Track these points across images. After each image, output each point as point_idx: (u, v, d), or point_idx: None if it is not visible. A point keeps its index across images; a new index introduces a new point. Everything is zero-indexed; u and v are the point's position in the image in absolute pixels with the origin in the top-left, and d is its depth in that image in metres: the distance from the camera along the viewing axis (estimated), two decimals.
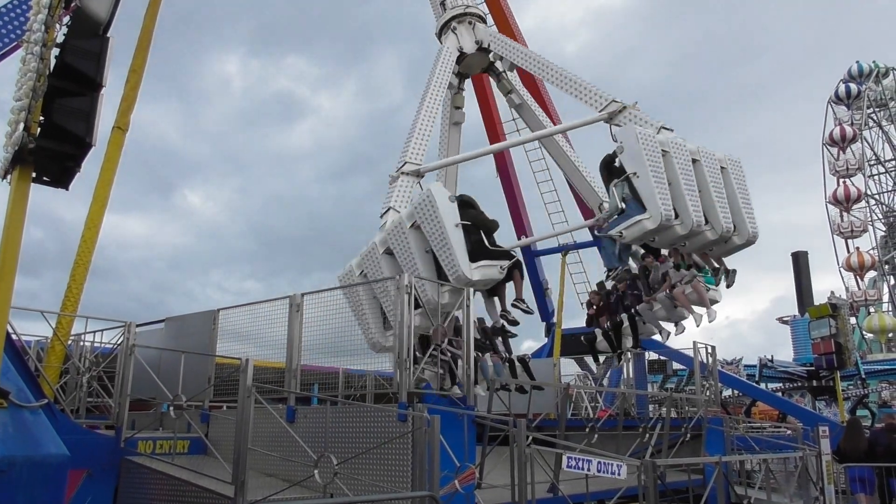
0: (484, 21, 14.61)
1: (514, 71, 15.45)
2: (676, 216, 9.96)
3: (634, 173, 9.69)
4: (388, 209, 11.07)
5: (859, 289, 63.03)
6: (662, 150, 10.02)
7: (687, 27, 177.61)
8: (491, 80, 15.88)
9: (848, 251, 64.49)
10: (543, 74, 13.31)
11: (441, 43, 14.50)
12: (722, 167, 11.08)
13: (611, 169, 10.56)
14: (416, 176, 11.89)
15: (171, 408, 8.86)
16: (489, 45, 14.26)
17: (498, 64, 15.02)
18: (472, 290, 9.24)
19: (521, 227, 23.91)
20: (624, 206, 10.06)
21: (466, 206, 9.94)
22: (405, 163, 11.91)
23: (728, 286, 11.93)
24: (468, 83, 20.90)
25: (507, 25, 20.53)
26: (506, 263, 9.48)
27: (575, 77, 12.63)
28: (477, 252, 9.46)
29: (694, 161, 10.51)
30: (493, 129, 23.14)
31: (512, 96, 15.53)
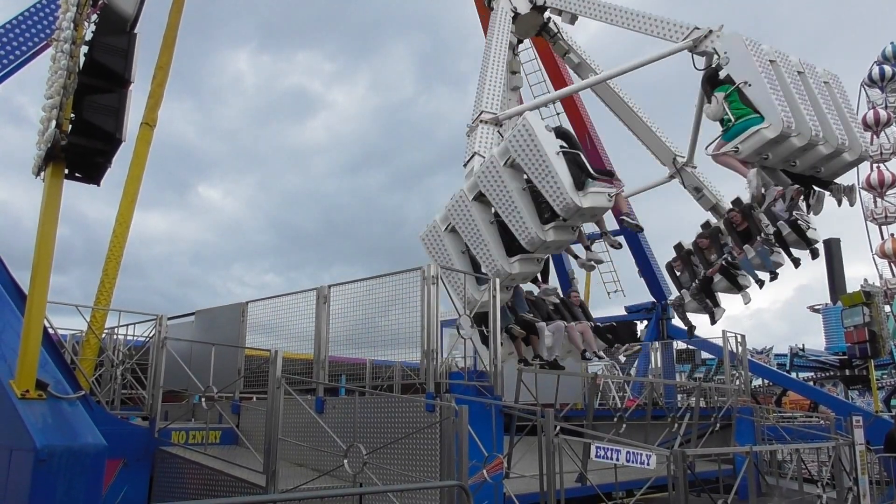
0: None
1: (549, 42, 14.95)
2: None
3: (746, 82, 9.16)
4: (473, 155, 10.74)
5: (894, 276, 61.57)
6: (769, 60, 9.56)
7: (701, 10, 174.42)
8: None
9: (882, 238, 63.00)
10: (610, 19, 12.29)
11: (492, 9, 14.03)
12: (825, 81, 10.59)
13: (714, 82, 9.94)
14: (496, 124, 11.49)
15: (203, 399, 8.99)
16: (545, 1, 13.57)
17: (552, 24, 14.52)
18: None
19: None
20: (732, 118, 9.47)
21: (564, 136, 9.50)
22: (482, 111, 11.56)
23: (851, 204, 11.25)
24: (524, 51, 19.94)
25: None
26: (613, 191, 9.11)
27: (647, 13, 11.75)
28: (583, 179, 9.03)
29: (799, 73, 10.06)
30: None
31: (570, 56, 14.80)
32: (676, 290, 13.16)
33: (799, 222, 11.20)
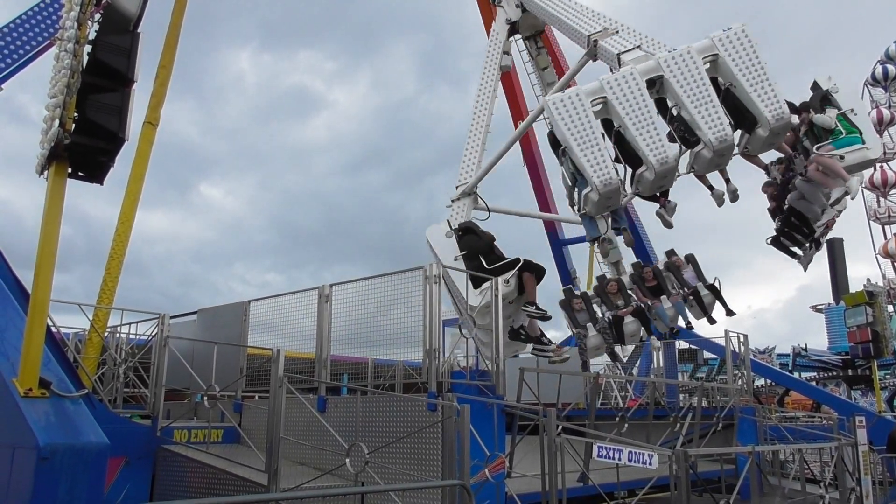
0: None
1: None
2: None
3: (852, 110, 10.78)
4: (635, 47, 10.65)
5: None
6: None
7: (701, 10, 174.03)
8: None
9: (885, 237, 62.82)
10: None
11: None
12: None
13: (823, 103, 11.24)
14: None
15: (205, 398, 9.00)
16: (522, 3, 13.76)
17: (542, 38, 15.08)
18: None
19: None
20: (843, 131, 10.82)
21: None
22: (604, 28, 11.52)
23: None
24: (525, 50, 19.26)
25: None
26: None
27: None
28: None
29: None
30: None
31: (545, 73, 15.44)
32: (571, 325, 13.70)
33: (717, 286, 12.98)
